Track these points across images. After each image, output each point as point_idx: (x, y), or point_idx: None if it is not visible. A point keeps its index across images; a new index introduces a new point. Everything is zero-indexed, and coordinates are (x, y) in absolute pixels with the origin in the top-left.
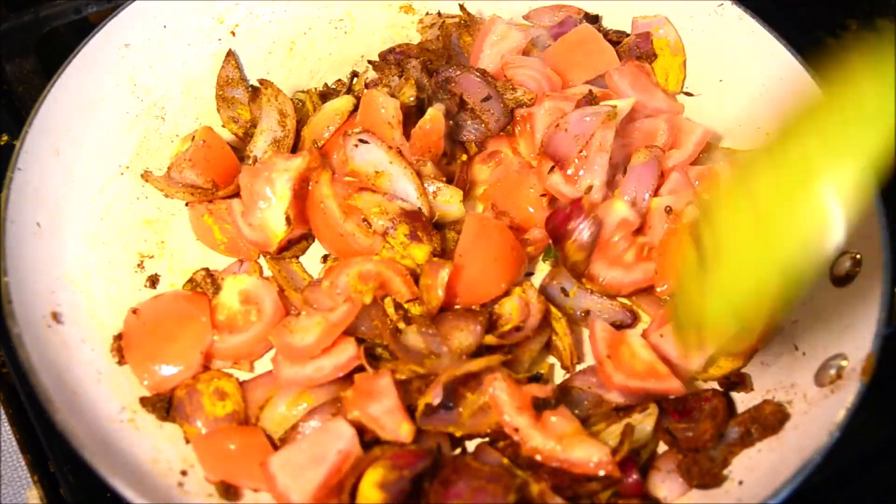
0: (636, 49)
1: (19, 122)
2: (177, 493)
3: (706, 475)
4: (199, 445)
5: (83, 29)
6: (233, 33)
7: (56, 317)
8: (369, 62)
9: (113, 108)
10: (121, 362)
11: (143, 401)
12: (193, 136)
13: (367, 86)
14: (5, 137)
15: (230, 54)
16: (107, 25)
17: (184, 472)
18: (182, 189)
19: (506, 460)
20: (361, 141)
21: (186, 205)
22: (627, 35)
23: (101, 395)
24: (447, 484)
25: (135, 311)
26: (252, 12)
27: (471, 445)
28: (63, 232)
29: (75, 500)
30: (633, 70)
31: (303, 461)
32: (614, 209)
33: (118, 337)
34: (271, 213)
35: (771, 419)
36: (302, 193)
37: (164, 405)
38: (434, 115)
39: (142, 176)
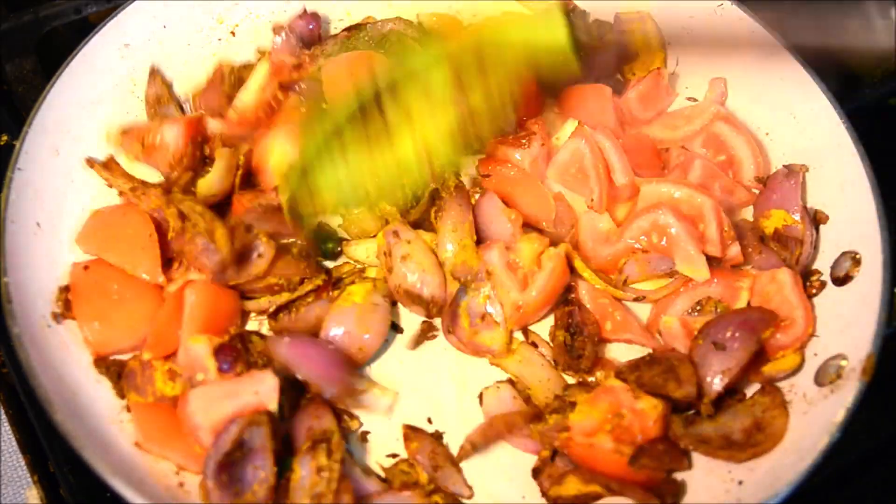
0: (616, 47)
1: (19, 122)
2: (177, 493)
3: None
4: (140, 412)
5: (83, 29)
6: (233, 33)
7: (56, 317)
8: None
9: (113, 108)
10: (64, 315)
11: (97, 363)
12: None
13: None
14: (5, 137)
15: (153, 72)
16: (107, 25)
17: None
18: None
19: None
20: None
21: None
22: (609, 25)
23: (101, 395)
24: None
25: (86, 267)
26: (252, 12)
27: None
28: (63, 232)
29: (75, 500)
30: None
31: (218, 395)
32: None
33: (65, 289)
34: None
35: None
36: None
37: (116, 370)
38: None
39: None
